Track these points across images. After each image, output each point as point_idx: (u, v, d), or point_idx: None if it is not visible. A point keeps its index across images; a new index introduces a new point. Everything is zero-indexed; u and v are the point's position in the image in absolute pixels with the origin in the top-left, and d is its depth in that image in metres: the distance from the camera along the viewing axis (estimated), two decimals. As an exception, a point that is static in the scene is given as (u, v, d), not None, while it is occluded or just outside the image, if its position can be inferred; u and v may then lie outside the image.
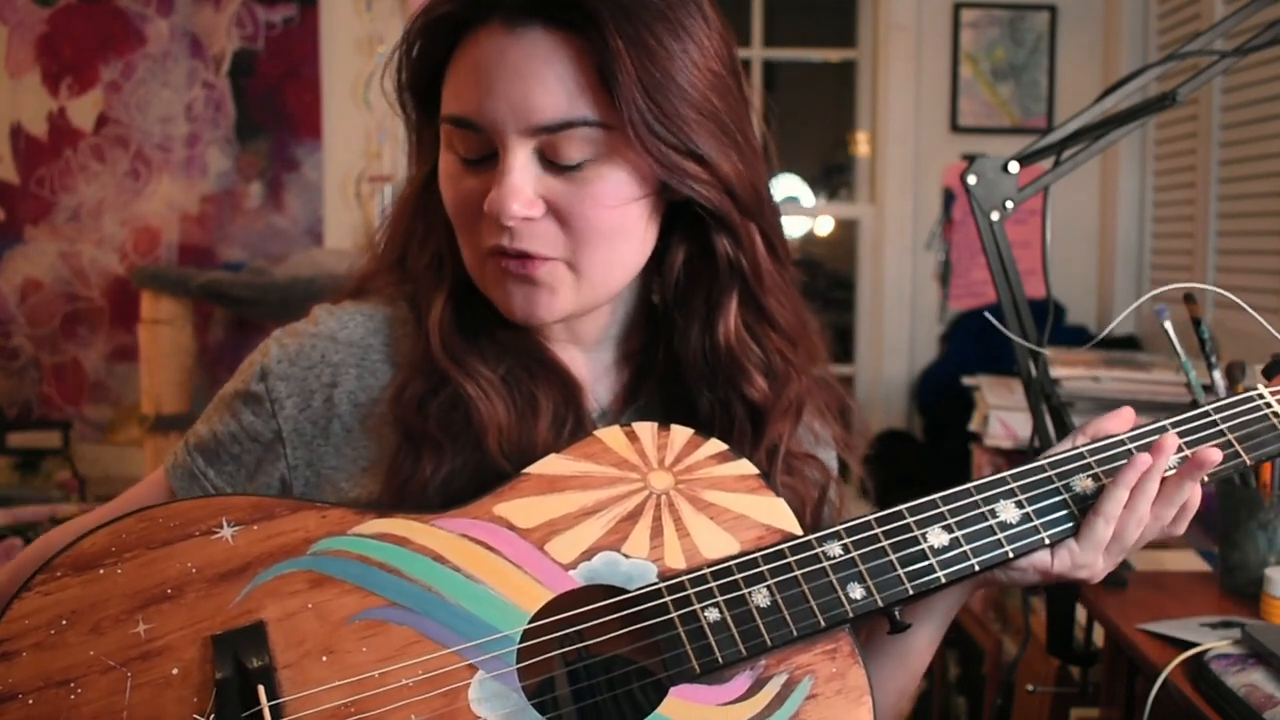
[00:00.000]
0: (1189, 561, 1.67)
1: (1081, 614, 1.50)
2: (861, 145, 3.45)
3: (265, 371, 0.90)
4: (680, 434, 0.84)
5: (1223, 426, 0.90)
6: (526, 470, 0.81)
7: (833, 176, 4.20)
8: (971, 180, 1.39)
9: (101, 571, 0.72)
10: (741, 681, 0.74)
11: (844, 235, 3.48)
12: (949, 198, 3.29)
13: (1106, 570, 0.87)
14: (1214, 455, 0.84)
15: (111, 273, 3.41)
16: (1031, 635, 1.59)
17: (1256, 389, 0.93)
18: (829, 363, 1.02)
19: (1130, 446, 0.89)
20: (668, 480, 0.82)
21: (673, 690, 0.73)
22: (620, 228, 0.85)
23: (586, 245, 0.84)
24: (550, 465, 0.81)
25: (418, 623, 0.73)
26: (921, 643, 0.92)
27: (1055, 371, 2.23)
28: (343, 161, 3.37)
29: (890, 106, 3.28)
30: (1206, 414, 0.91)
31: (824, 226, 4.33)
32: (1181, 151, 2.85)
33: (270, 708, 0.68)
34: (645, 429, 0.84)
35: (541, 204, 0.82)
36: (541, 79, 0.80)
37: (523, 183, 0.81)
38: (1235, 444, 0.89)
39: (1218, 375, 1.37)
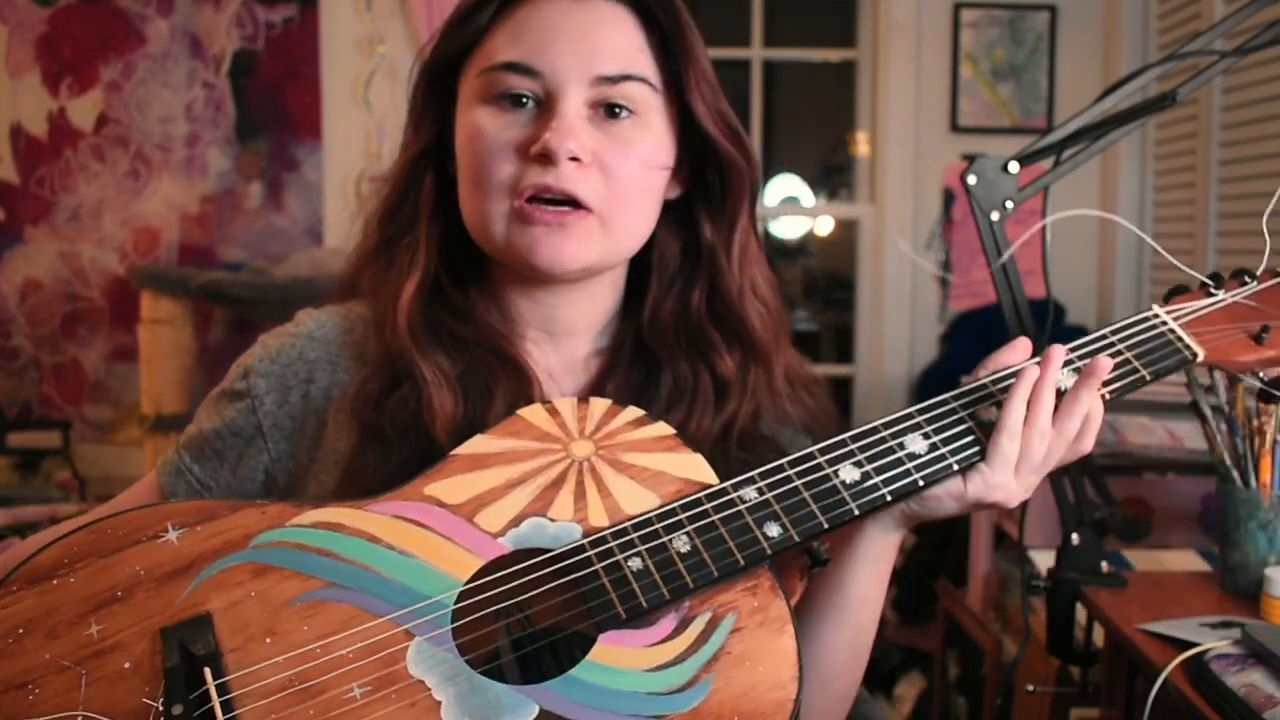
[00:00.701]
0: (1189, 561, 1.67)
1: (1081, 614, 1.50)
2: (861, 145, 3.45)
3: (248, 370, 0.97)
4: (599, 405, 0.89)
5: (1119, 346, 0.94)
6: (454, 452, 0.85)
7: (833, 176, 4.21)
8: (971, 180, 1.39)
9: (55, 582, 0.76)
10: (667, 623, 0.78)
11: (844, 235, 3.49)
12: (949, 198, 3.29)
13: (1023, 494, 0.89)
14: (1105, 363, 0.87)
15: (111, 273, 3.41)
16: (1031, 635, 1.59)
17: (1152, 309, 0.98)
18: (818, 384, 1.06)
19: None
20: (588, 448, 0.86)
21: (602, 637, 0.77)
22: (650, 190, 0.93)
23: (621, 200, 0.91)
24: (476, 445, 0.86)
25: (356, 599, 0.77)
26: (858, 592, 0.93)
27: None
28: (343, 161, 3.37)
29: (890, 106, 3.28)
30: (1104, 336, 0.95)
31: (824, 226, 4.34)
32: (1181, 151, 2.85)
33: (216, 686, 0.72)
34: (566, 404, 0.89)
35: (590, 151, 0.89)
36: (608, 35, 0.90)
37: (577, 126, 0.89)
38: (1133, 361, 0.93)
39: (1218, 375, 1.37)
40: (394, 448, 0.90)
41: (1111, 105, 1.42)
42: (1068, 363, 0.91)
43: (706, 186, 0.98)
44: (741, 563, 0.79)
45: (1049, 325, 1.42)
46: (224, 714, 0.71)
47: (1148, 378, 0.93)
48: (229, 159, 3.39)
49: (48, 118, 3.38)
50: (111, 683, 0.73)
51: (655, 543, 0.80)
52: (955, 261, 3.30)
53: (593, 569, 0.79)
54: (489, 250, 0.94)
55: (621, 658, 0.76)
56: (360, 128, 3.36)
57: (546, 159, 0.87)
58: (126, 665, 0.73)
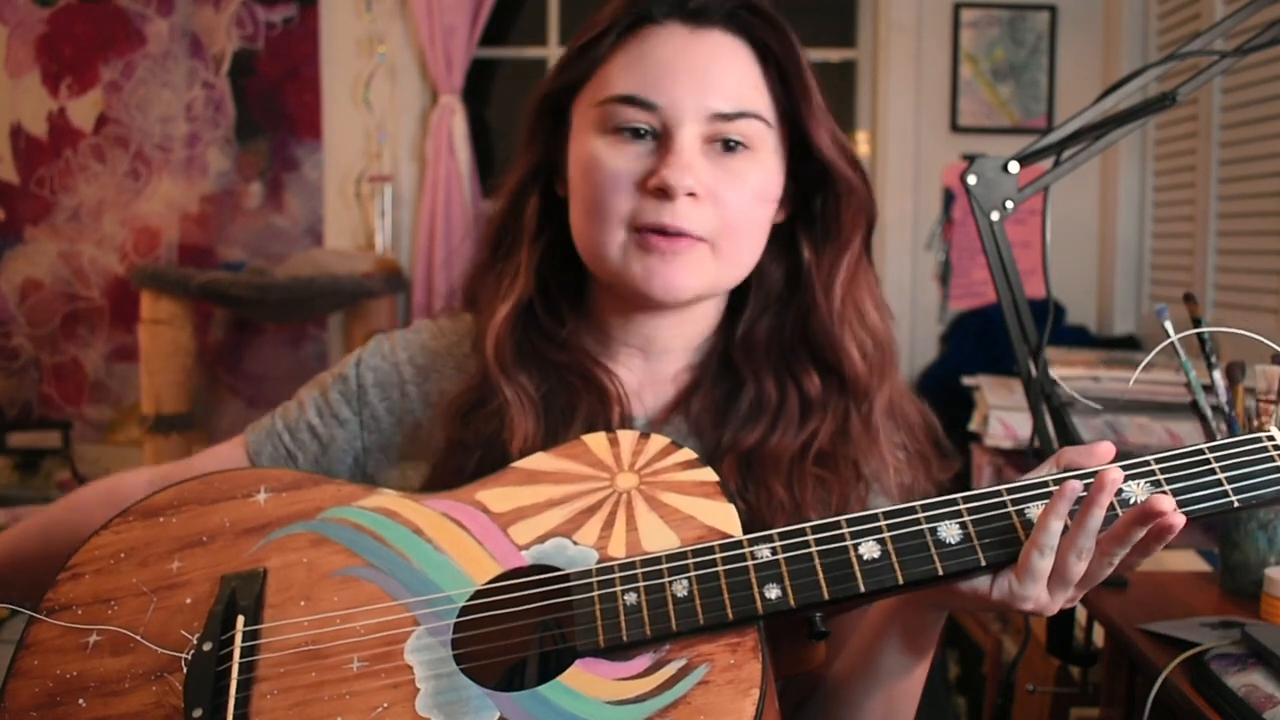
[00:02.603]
0: (1189, 561, 1.67)
1: (1081, 614, 1.50)
2: (861, 145, 3.45)
3: (359, 361, 1.06)
4: (657, 442, 0.91)
5: (1215, 465, 0.82)
6: (514, 464, 0.91)
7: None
8: (971, 180, 1.39)
9: (161, 519, 0.89)
10: (642, 661, 0.79)
11: (844, 235, 3.48)
12: (949, 198, 3.29)
13: (1059, 605, 0.81)
14: (1165, 504, 0.76)
15: (111, 273, 3.41)
16: (1031, 635, 1.58)
17: (1269, 431, 0.85)
18: (921, 428, 1.04)
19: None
20: (633, 481, 0.88)
21: (578, 662, 0.79)
22: (760, 221, 0.96)
23: (731, 230, 0.93)
24: (535, 461, 0.91)
25: (384, 581, 0.84)
26: (889, 663, 0.91)
27: (1055, 371, 2.23)
28: (343, 161, 3.38)
29: (890, 106, 3.28)
30: (1199, 451, 0.83)
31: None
32: (1181, 151, 2.85)
33: (247, 633, 0.82)
34: (628, 436, 0.91)
35: (704, 185, 0.92)
36: (725, 71, 0.93)
37: (692, 162, 0.91)
38: (1224, 483, 0.82)
39: (1218, 375, 1.37)
40: (474, 456, 0.95)
41: (1111, 105, 1.42)
42: (1148, 474, 0.82)
43: (810, 212, 1.00)
44: (730, 617, 0.78)
45: (1049, 325, 1.42)
46: (242, 658, 0.80)
47: (1235, 504, 0.81)
48: (229, 159, 3.39)
49: (48, 118, 3.38)
50: (170, 613, 0.83)
51: (656, 582, 0.81)
52: (955, 261, 3.30)
53: (589, 595, 0.81)
54: (602, 275, 0.97)
55: (589, 685, 0.78)
56: (360, 128, 3.36)
57: (664, 194, 0.91)
58: (188, 601, 0.84)
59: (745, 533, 0.84)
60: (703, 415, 0.99)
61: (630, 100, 0.92)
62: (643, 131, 0.92)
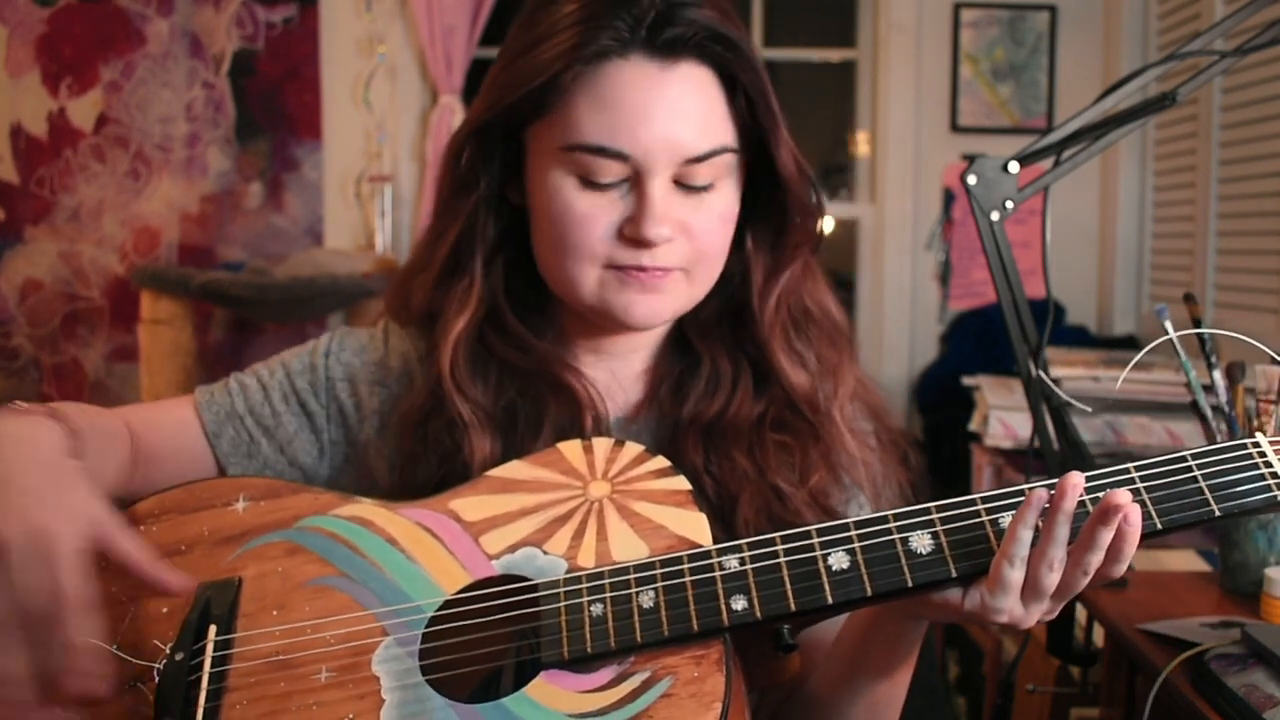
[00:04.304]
0: (1189, 561, 1.67)
1: (1081, 614, 1.50)
2: (861, 145, 3.45)
3: (328, 352, 1.04)
4: (631, 449, 0.90)
5: (1196, 472, 0.80)
6: (489, 472, 0.90)
7: (833, 176, 4.19)
8: (971, 180, 1.39)
9: (143, 528, 0.89)
10: (606, 673, 0.78)
11: (844, 235, 3.48)
12: (949, 198, 3.29)
13: (1035, 618, 0.80)
14: (1120, 497, 0.74)
15: (111, 273, 3.41)
16: (1031, 635, 1.58)
17: (1255, 438, 0.83)
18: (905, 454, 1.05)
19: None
20: (605, 489, 0.88)
21: (542, 674, 0.79)
22: (724, 241, 0.96)
23: (703, 257, 0.94)
24: (510, 470, 0.90)
25: (356, 591, 0.84)
26: (871, 667, 0.90)
27: (1055, 371, 2.23)
28: (343, 161, 3.37)
29: (890, 106, 3.28)
30: (1182, 458, 0.81)
31: (824, 226, 4.33)
32: (1181, 151, 2.85)
33: (219, 642, 0.82)
34: (602, 444, 0.91)
35: (678, 224, 0.91)
36: (695, 113, 0.90)
37: (667, 209, 0.90)
38: (1205, 491, 0.79)
39: (1217, 375, 1.37)
40: (434, 471, 0.94)
41: (1111, 105, 1.42)
42: (1128, 481, 0.80)
43: (758, 211, 1.00)
44: (696, 629, 0.78)
45: (1049, 325, 1.42)
46: (212, 668, 0.80)
47: (1216, 513, 0.78)
48: (229, 159, 3.39)
49: (48, 118, 3.38)
50: (146, 623, 0.83)
51: (622, 593, 0.80)
52: (955, 261, 3.30)
53: (556, 606, 0.80)
54: (573, 305, 0.96)
55: (552, 697, 0.77)
56: (360, 128, 3.36)
57: (641, 244, 0.90)
58: (164, 610, 0.84)
59: (718, 523, 0.85)
60: (667, 399, 1.01)
61: (602, 151, 0.88)
62: (621, 171, 0.90)
